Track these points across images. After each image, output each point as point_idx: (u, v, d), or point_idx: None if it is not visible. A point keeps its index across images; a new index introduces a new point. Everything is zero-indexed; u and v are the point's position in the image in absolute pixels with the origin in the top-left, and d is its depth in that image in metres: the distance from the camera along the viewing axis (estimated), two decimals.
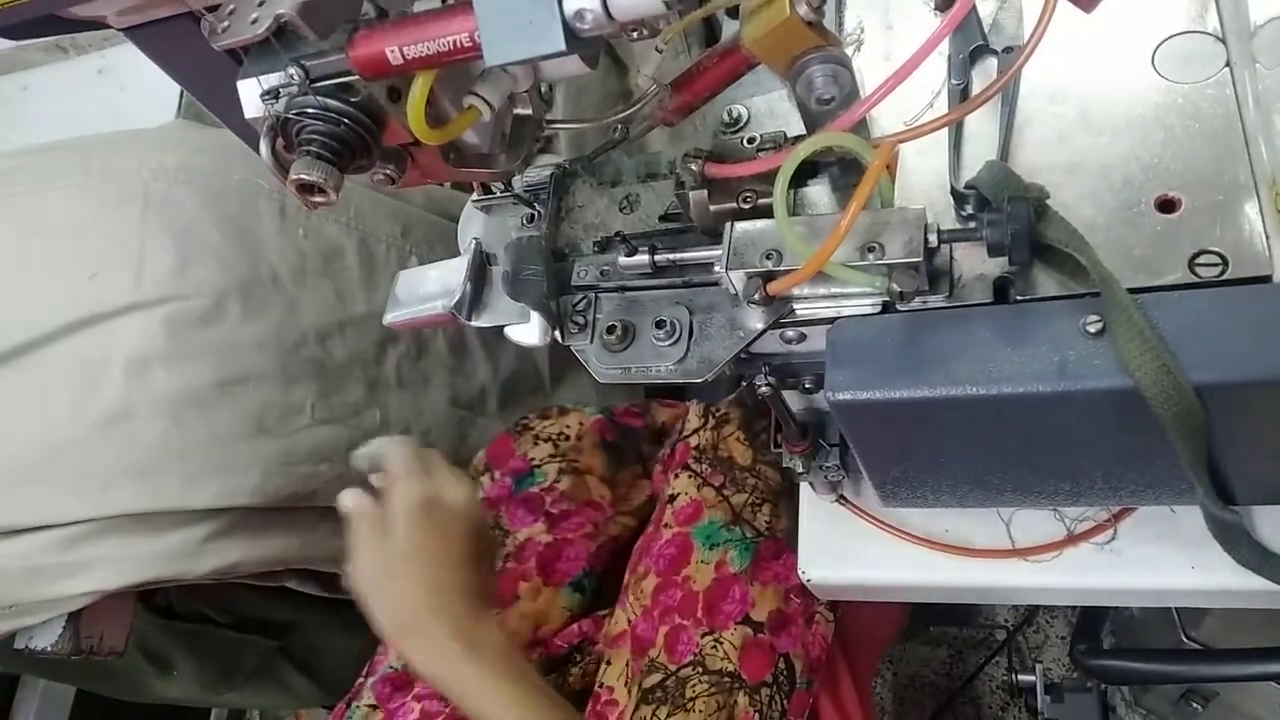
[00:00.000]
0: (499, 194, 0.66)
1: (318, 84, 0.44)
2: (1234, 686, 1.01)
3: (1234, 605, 0.68)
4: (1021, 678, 1.31)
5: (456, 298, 0.63)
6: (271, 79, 0.45)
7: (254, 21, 0.43)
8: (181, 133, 1.06)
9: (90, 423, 0.81)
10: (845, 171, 0.58)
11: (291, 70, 0.44)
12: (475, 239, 0.66)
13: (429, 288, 0.64)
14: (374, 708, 0.81)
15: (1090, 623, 1.05)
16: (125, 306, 0.84)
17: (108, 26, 0.47)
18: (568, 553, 0.89)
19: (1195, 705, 1.10)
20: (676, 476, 0.85)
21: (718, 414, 0.87)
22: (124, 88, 1.32)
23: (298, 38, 0.44)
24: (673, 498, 0.84)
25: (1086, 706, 1.20)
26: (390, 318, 0.64)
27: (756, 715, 0.72)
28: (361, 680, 0.86)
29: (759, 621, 0.75)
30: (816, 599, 0.79)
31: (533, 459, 0.93)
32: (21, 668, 1.15)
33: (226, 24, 0.44)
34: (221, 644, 1.10)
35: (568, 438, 0.94)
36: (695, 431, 0.87)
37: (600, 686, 0.78)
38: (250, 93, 0.46)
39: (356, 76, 0.44)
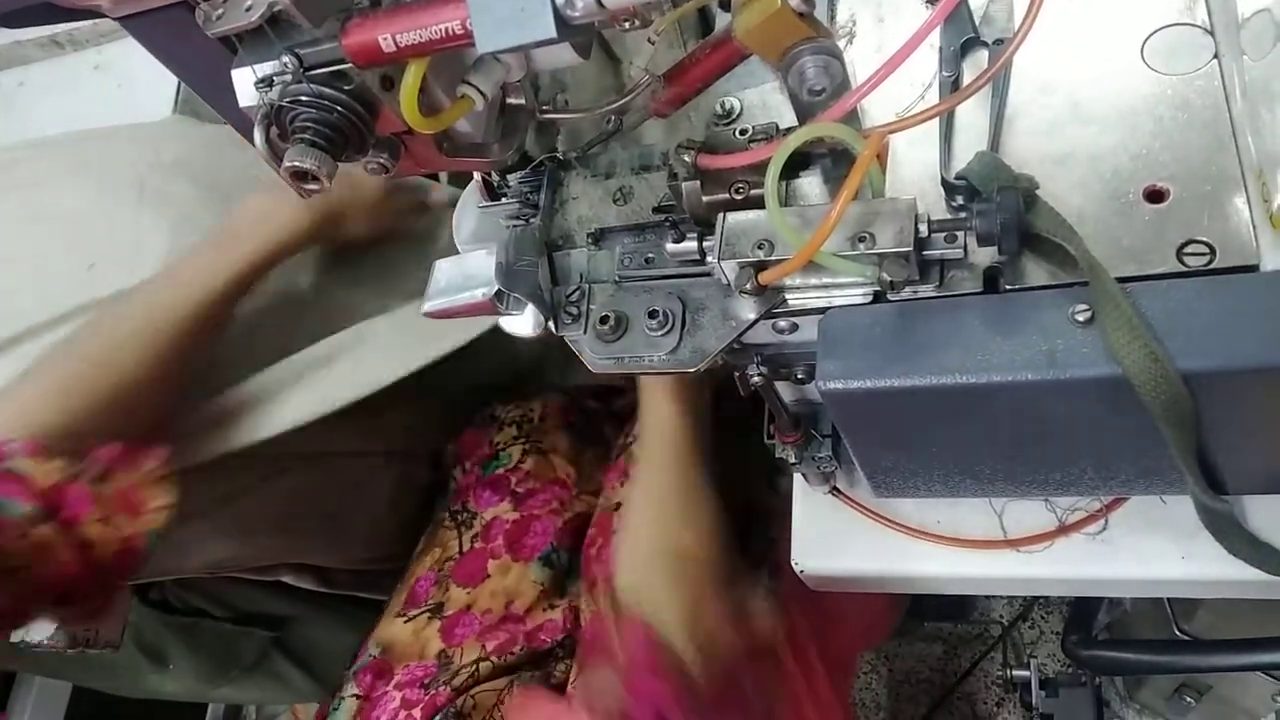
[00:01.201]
0: (505, 201, 0.67)
1: (311, 72, 0.45)
2: (1227, 680, 1.02)
3: (1225, 595, 0.68)
4: (1016, 673, 1.31)
5: (498, 285, 0.62)
6: (265, 67, 0.45)
7: (248, 9, 0.43)
8: (178, 128, 1.06)
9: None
10: (837, 163, 0.58)
11: (285, 59, 0.44)
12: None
13: (469, 275, 0.63)
14: (358, 698, 0.82)
15: (1082, 614, 1.05)
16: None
17: (103, 15, 0.47)
18: (535, 528, 0.90)
19: (1189, 699, 1.10)
20: (621, 485, 0.86)
21: None
22: (120, 84, 1.33)
23: (291, 26, 0.44)
24: (617, 506, 0.85)
25: (1081, 701, 1.20)
26: (429, 306, 0.63)
27: None
28: (345, 670, 0.86)
29: None
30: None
31: (497, 443, 0.95)
32: (17, 663, 1.15)
33: (221, 12, 0.44)
34: (217, 638, 1.10)
35: (531, 420, 0.96)
36: (636, 439, 0.88)
37: (571, 686, 0.79)
38: (244, 81, 0.46)
39: (350, 65, 0.44)
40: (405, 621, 0.87)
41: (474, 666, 0.80)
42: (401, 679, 0.81)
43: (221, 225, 0.82)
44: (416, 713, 0.78)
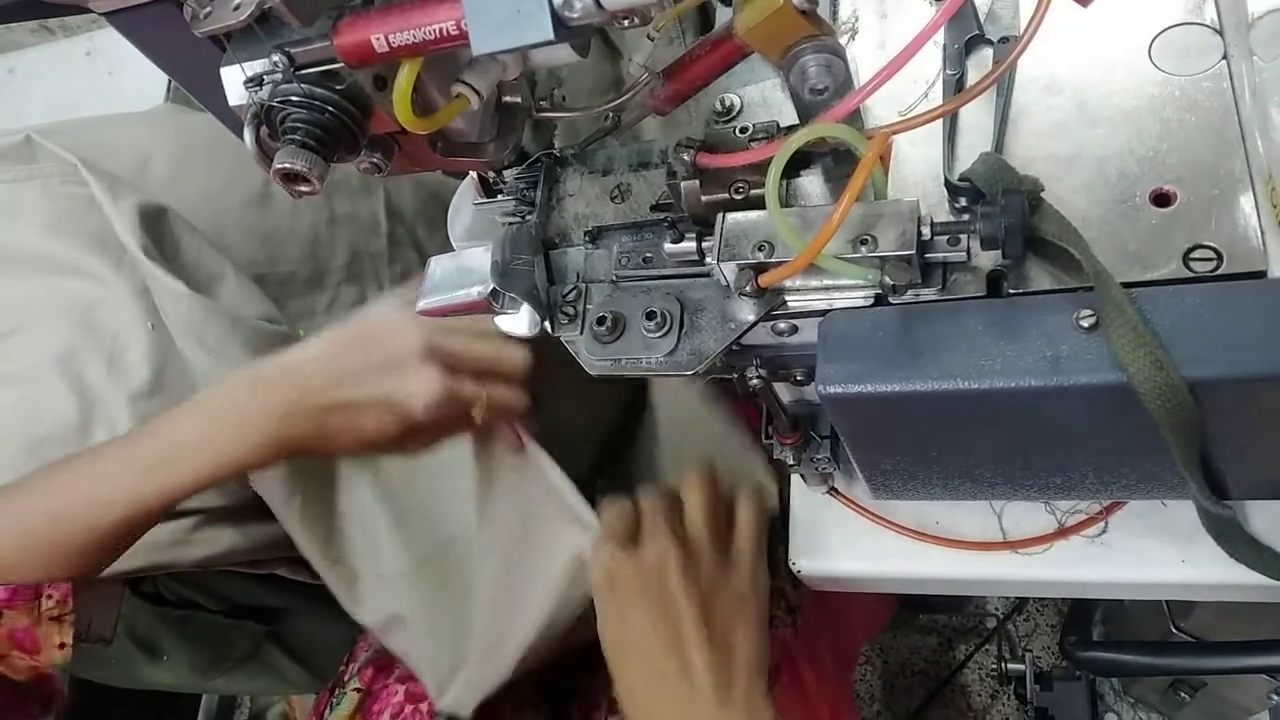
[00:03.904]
0: (501, 198, 0.66)
1: (302, 71, 0.44)
2: (1222, 677, 1.02)
3: (1225, 599, 0.68)
4: (1011, 666, 1.32)
5: (493, 284, 0.61)
6: (255, 66, 0.44)
7: (236, 8, 0.42)
8: (171, 118, 1.05)
9: (67, 421, 0.79)
10: (838, 162, 0.57)
11: (275, 57, 0.43)
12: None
13: (463, 273, 0.62)
14: (359, 691, 0.81)
15: (1081, 614, 1.05)
16: (105, 299, 0.83)
17: (89, 11, 0.46)
18: None
19: (1183, 695, 1.10)
20: None
21: None
22: (112, 71, 1.31)
23: (282, 24, 0.43)
24: None
25: (1075, 695, 1.20)
26: (423, 304, 0.62)
27: None
28: (344, 668, 0.86)
29: None
30: (774, 603, 0.79)
31: None
32: None
33: (209, 10, 0.43)
34: (211, 630, 1.10)
35: None
36: None
37: (585, 689, 0.79)
38: (234, 80, 0.45)
39: (342, 64, 0.43)
40: None
41: None
42: (404, 673, 0.81)
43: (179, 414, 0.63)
44: (423, 707, 0.78)
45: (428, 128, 0.46)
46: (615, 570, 0.60)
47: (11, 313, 0.84)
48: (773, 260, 0.52)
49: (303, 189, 0.44)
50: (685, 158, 0.56)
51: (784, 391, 0.66)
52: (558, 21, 0.39)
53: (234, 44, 0.45)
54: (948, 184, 0.54)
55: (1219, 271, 0.48)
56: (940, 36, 0.59)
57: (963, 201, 0.53)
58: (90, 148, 0.91)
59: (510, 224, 0.64)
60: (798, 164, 0.58)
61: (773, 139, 0.57)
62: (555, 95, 0.62)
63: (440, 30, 0.41)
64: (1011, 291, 0.51)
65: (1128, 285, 0.47)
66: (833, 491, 0.72)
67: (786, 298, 0.55)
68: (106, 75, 1.31)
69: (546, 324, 0.61)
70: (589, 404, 0.78)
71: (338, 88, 0.44)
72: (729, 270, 0.53)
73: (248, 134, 0.45)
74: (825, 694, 0.84)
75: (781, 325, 0.58)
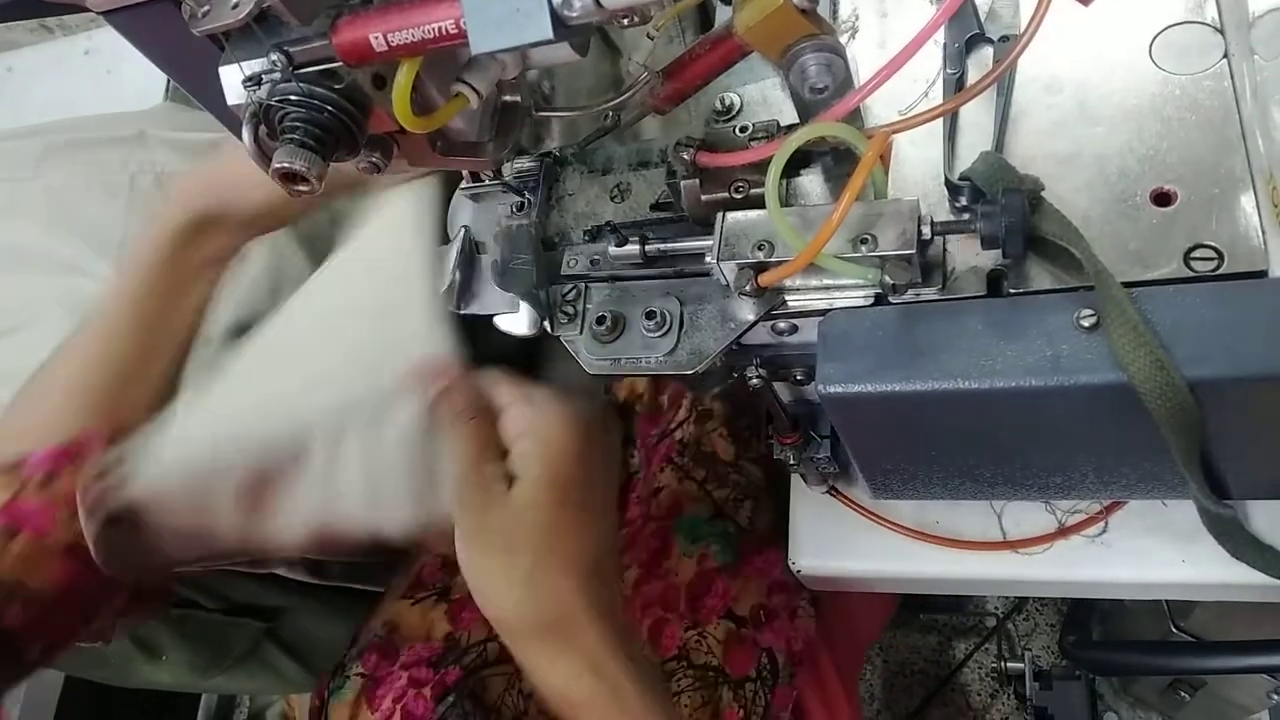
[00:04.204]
0: (488, 182, 0.65)
1: (301, 70, 0.43)
2: (1222, 677, 1.01)
3: (1225, 598, 0.68)
4: (1011, 665, 1.32)
5: (445, 285, 0.62)
6: (254, 65, 0.44)
7: (235, 7, 0.42)
8: (169, 117, 1.05)
9: None
10: (838, 161, 0.57)
11: (274, 56, 0.43)
12: (464, 227, 0.65)
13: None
14: (363, 676, 0.81)
15: (1081, 614, 1.05)
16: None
17: (86, 10, 0.46)
18: None
19: (1183, 694, 1.10)
20: (661, 470, 0.85)
21: (700, 408, 0.87)
22: (111, 70, 1.31)
23: (280, 23, 0.43)
24: (656, 491, 0.84)
25: (1075, 694, 1.20)
26: None
27: (740, 710, 0.72)
28: (346, 651, 0.86)
29: (742, 616, 0.75)
30: (798, 594, 0.79)
31: None
32: None
33: (207, 9, 0.43)
34: (210, 628, 1.10)
35: None
36: (680, 425, 0.87)
37: None
38: (232, 79, 0.45)
39: (340, 63, 0.43)
40: (412, 604, 0.87)
41: (482, 647, 0.80)
42: (407, 659, 0.81)
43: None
44: (426, 691, 0.78)
45: (427, 127, 0.46)
46: (591, 422, 0.54)
47: (12, 311, 0.84)
48: (773, 260, 0.52)
49: (301, 188, 0.44)
50: (685, 156, 0.56)
51: (784, 391, 0.66)
52: (557, 20, 0.39)
53: (232, 43, 0.44)
54: (948, 183, 0.54)
55: (1220, 271, 0.48)
56: (940, 35, 0.59)
57: (963, 201, 0.53)
58: (88, 154, 0.91)
59: (510, 223, 0.64)
60: (797, 163, 0.58)
61: (773, 138, 0.57)
62: (544, 87, 0.62)
63: (439, 29, 0.41)
64: (1012, 291, 0.51)
65: (1128, 285, 0.47)
66: (833, 491, 0.72)
67: (786, 297, 0.54)
68: (105, 74, 1.31)
69: (546, 323, 0.61)
70: None
71: (336, 87, 0.44)
72: (729, 269, 0.53)
73: (246, 133, 0.44)
74: (842, 683, 0.85)
75: (781, 325, 0.57)
